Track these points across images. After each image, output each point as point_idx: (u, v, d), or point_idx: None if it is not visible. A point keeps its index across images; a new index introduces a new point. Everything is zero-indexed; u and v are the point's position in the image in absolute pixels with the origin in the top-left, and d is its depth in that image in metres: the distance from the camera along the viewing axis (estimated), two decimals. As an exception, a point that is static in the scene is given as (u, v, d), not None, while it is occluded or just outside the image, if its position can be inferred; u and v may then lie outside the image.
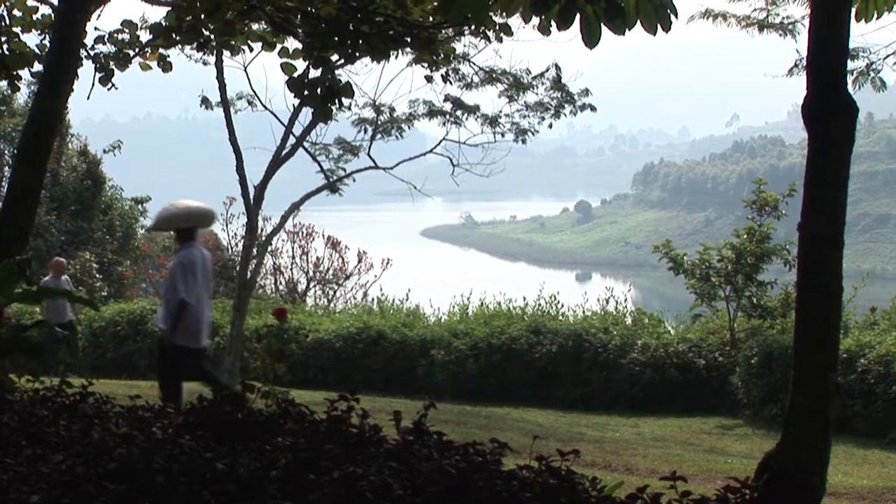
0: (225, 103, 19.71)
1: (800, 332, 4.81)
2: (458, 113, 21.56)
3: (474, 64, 20.60)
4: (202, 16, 9.09)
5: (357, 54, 9.66)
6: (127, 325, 20.77)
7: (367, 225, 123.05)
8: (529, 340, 18.00)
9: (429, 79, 14.91)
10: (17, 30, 9.85)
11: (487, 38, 17.90)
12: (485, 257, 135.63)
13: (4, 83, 10.30)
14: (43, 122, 7.96)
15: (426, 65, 12.53)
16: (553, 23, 4.66)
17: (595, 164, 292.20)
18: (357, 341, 19.12)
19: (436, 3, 8.55)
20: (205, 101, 20.52)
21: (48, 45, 9.26)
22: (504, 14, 8.71)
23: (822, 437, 4.69)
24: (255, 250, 20.19)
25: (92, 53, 10.07)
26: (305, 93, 8.73)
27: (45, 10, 9.96)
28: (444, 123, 21.79)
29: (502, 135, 21.83)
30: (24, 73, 10.00)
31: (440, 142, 22.43)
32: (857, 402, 14.16)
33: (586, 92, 21.66)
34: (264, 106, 20.91)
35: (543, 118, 21.63)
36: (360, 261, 29.44)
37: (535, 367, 17.78)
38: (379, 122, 21.74)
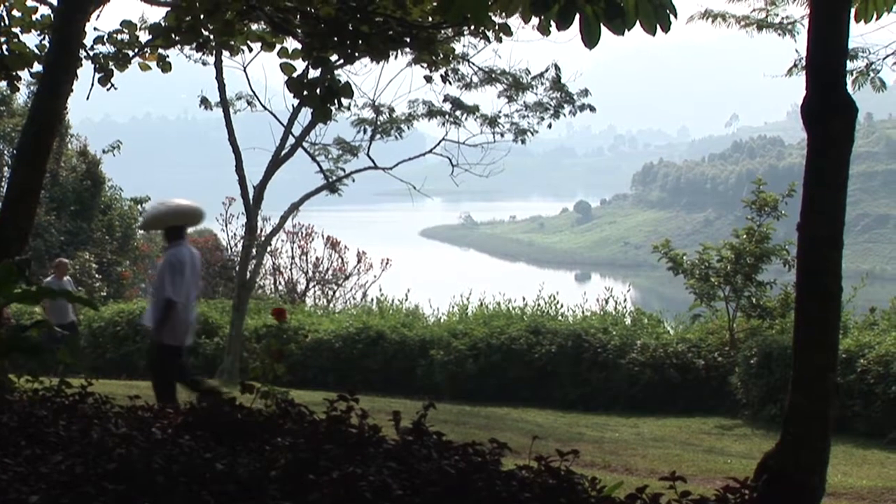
0: (224, 103, 19.73)
1: (799, 333, 4.81)
2: (458, 113, 21.59)
3: (474, 64, 20.65)
4: (201, 16, 9.09)
5: (356, 54, 9.66)
6: (126, 325, 20.76)
7: (367, 225, 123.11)
8: (529, 340, 18.00)
9: (428, 79, 14.95)
10: (16, 30, 9.85)
11: (487, 39, 17.92)
12: (484, 257, 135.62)
13: (4, 83, 10.29)
14: (42, 122, 7.96)
15: (425, 65, 12.54)
16: (552, 23, 4.66)
17: (594, 165, 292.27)
18: (356, 341, 19.11)
19: (435, 4, 8.55)
20: (204, 102, 20.54)
21: (47, 45, 9.26)
22: (503, 14, 8.71)
23: (822, 437, 4.69)
24: (254, 250, 20.21)
25: (91, 54, 10.07)
26: (305, 93, 8.72)
27: (44, 10, 9.97)
28: (443, 124, 21.82)
29: (501, 135, 21.87)
30: (24, 74, 10.01)
31: (439, 142, 22.46)
32: (857, 402, 14.16)
33: (585, 92, 21.68)
34: (263, 106, 20.95)
35: (543, 118, 21.66)
36: (359, 261, 29.46)
37: (534, 367, 17.77)
38: (378, 123, 21.76)
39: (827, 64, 4.80)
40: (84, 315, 20.52)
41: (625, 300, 21.49)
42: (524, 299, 20.93)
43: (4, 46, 9.73)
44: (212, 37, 9.57)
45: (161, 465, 3.74)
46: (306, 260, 29.26)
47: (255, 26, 10.43)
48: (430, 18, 9.39)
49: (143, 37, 10.36)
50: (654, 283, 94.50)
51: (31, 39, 9.93)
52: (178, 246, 9.74)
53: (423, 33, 9.58)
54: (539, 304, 20.53)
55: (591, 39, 4.60)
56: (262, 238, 22.15)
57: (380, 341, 19.06)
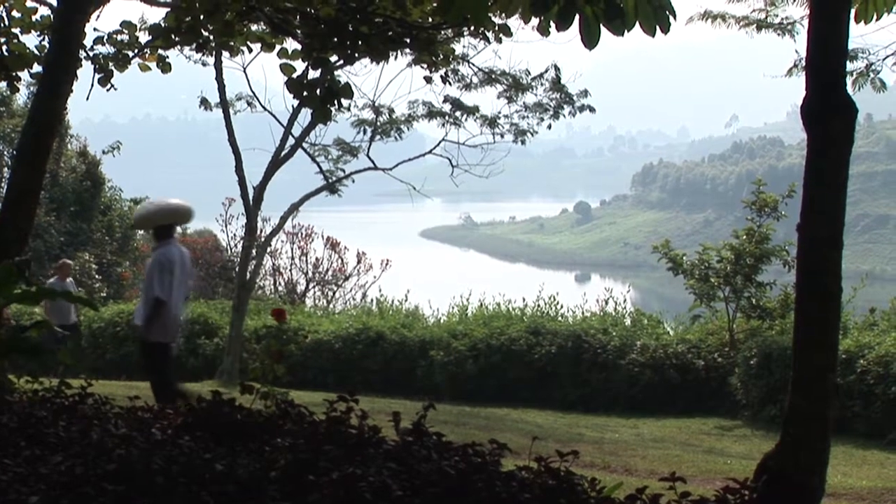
0: (224, 104, 19.73)
1: (799, 333, 4.81)
2: (458, 114, 21.59)
3: (473, 65, 20.65)
4: (201, 17, 9.09)
5: (356, 55, 9.66)
6: (126, 325, 20.73)
7: (367, 226, 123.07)
8: (529, 341, 18.00)
9: (428, 80, 14.94)
10: (16, 31, 9.86)
11: (487, 39, 17.93)
12: (484, 258, 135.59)
13: (4, 84, 10.30)
14: (42, 122, 7.97)
15: (425, 66, 12.52)
16: (552, 23, 4.66)
17: (594, 165, 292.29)
18: (356, 342, 19.11)
19: (435, 4, 8.55)
20: (204, 102, 20.54)
21: (47, 46, 9.26)
22: (503, 15, 8.71)
23: (821, 437, 4.69)
24: (254, 251, 20.21)
25: (91, 54, 10.07)
26: (304, 94, 8.72)
27: (44, 11, 9.98)
28: (443, 124, 21.82)
29: (501, 136, 21.87)
30: (24, 74, 10.01)
31: (439, 143, 22.46)
32: (857, 402, 14.16)
33: (585, 93, 21.69)
34: (263, 107, 20.96)
35: (542, 119, 21.66)
36: (359, 262, 29.48)
37: (534, 367, 17.78)
38: (378, 123, 21.77)
39: (827, 64, 4.80)
40: (84, 316, 20.52)
41: (624, 301, 21.50)
42: (524, 300, 20.95)
43: (4, 47, 9.74)
44: (211, 37, 9.57)
45: (161, 465, 3.74)
46: (306, 260, 29.28)
47: (254, 27, 10.44)
48: (430, 19, 9.39)
49: (143, 37, 10.38)
50: (654, 283, 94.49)
51: (30, 40, 9.94)
52: (168, 245, 9.83)
53: (422, 34, 9.58)
54: (539, 305, 20.54)
55: (590, 40, 4.60)
56: (262, 239, 22.16)
57: (380, 342, 19.07)
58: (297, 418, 4.63)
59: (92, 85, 10.17)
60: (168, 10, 9.63)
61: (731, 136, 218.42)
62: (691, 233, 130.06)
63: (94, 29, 9.98)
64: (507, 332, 18.29)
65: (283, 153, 19.75)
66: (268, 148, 19.88)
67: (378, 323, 19.83)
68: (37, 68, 9.66)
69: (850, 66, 14.66)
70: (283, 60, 9.14)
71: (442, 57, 11.67)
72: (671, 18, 4.60)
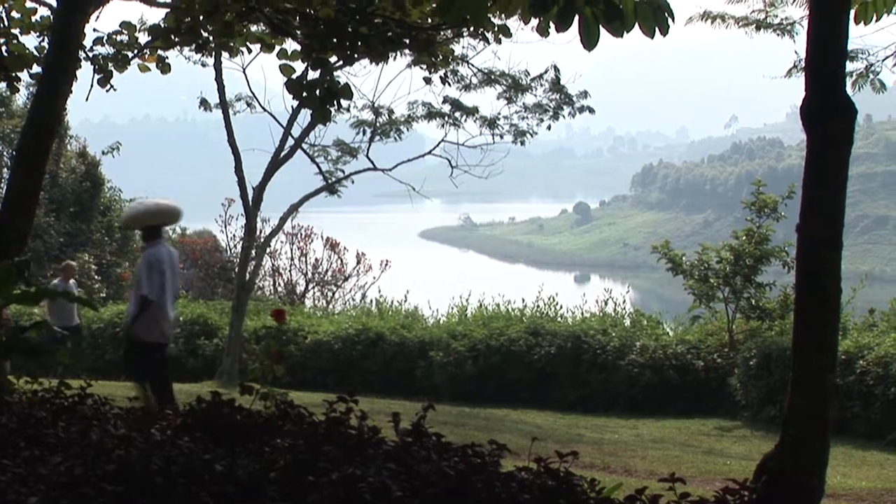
0: (224, 105, 19.74)
1: (798, 334, 4.81)
2: (457, 114, 21.58)
3: (473, 65, 20.65)
4: (201, 17, 9.09)
5: (356, 56, 9.65)
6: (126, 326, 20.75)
7: (366, 226, 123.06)
8: (528, 342, 18.00)
9: (427, 80, 14.95)
10: (15, 31, 9.86)
11: (486, 40, 17.93)
12: (483, 259, 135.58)
13: (3, 85, 10.30)
14: (42, 123, 7.97)
15: (425, 66, 12.51)
16: (551, 24, 4.66)
17: (593, 166, 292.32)
18: (356, 343, 19.12)
19: (434, 5, 8.55)
20: (203, 103, 20.54)
21: (47, 46, 9.26)
22: (503, 15, 8.72)
23: (821, 438, 4.69)
24: (253, 252, 20.21)
25: (90, 55, 10.07)
26: (304, 94, 8.72)
27: (43, 11, 9.98)
28: (442, 125, 21.82)
29: (501, 136, 21.87)
30: (23, 75, 10.01)
31: (439, 143, 22.46)
32: (856, 403, 14.16)
33: (585, 94, 21.69)
34: (263, 107, 20.96)
35: (542, 120, 21.66)
36: (358, 262, 29.48)
37: (533, 368, 17.78)
38: (377, 124, 21.76)
39: (826, 65, 4.80)
40: (84, 316, 20.53)
41: (624, 301, 21.50)
42: (523, 301, 20.96)
43: (4, 48, 9.74)
44: (211, 38, 9.57)
45: (160, 466, 3.73)
46: (305, 261, 29.28)
47: (254, 28, 10.44)
48: (430, 20, 9.39)
49: (143, 38, 10.38)
50: (654, 284, 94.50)
51: (30, 41, 9.94)
52: (156, 245, 9.95)
53: (422, 35, 9.58)
54: (538, 306, 20.55)
55: (589, 41, 4.60)
56: (262, 239, 22.16)
57: (379, 343, 19.07)
58: (297, 419, 4.63)
59: (91, 85, 10.17)
60: (167, 10, 9.63)
61: (731, 137, 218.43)
62: (691, 233, 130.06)
63: (94, 30, 9.99)
64: (507, 332, 18.29)
65: (282, 154, 19.76)
66: (267, 149, 19.91)
67: (377, 324, 19.84)
68: (36, 69, 9.66)
69: (849, 66, 14.65)
70: (283, 61, 9.14)
71: (441, 58, 11.66)
72: (670, 20, 4.60)
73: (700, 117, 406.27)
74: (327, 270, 29.31)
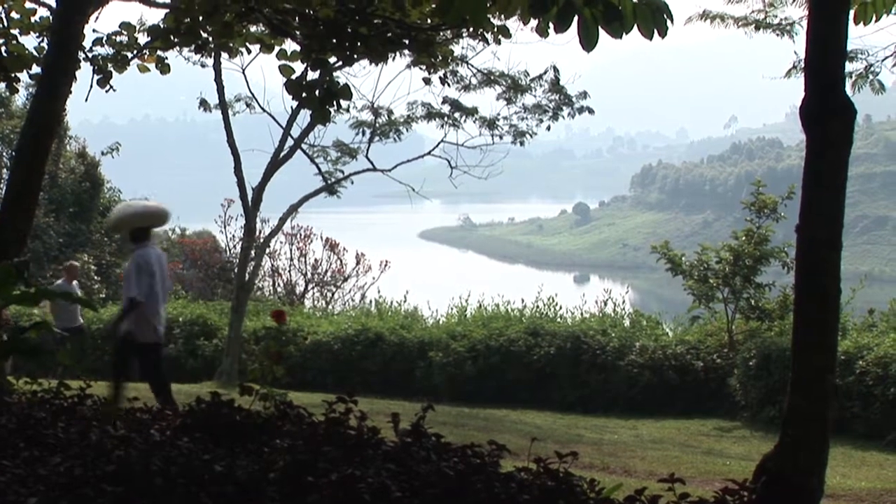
0: (223, 105, 19.72)
1: (798, 334, 4.82)
2: (457, 115, 21.57)
3: (472, 66, 20.63)
4: (200, 18, 9.09)
5: (355, 56, 9.65)
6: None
7: (366, 227, 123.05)
8: (528, 342, 18.00)
9: (427, 81, 14.95)
10: (15, 32, 9.85)
11: (485, 41, 17.95)
12: (483, 259, 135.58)
13: (3, 85, 10.30)
14: (41, 124, 7.97)
15: (424, 67, 12.51)
16: (551, 25, 4.66)
17: (593, 166, 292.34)
18: (355, 343, 19.11)
19: (434, 5, 8.55)
20: (203, 104, 20.53)
21: (46, 47, 9.26)
22: (502, 16, 8.72)
23: (821, 438, 4.69)
24: (253, 252, 20.20)
25: (90, 55, 10.07)
26: (303, 95, 8.72)
27: (43, 12, 9.98)
28: (442, 125, 21.81)
29: (500, 137, 21.86)
30: (23, 76, 10.01)
31: (438, 144, 22.46)
32: (856, 403, 14.16)
33: (584, 94, 21.67)
34: (262, 108, 20.94)
35: (541, 120, 21.65)
36: (358, 263, 29.48)
37: (533, 368, 17.78)
38: (377, 125, 21.75)
39: (826, 65, 4.80)
40: (84, 317, 20.52)
41: (623, 302, 21.51)
42: (523, 301, 20.97)
43: (3, 48, 9.74)
44: (210, 39, 9.57)
45: (159, 466, 3.74)
46: (305, 262, 29.28)
47: (253, 28, 10.43)
48: (429, 20, 9.39)
49: (142, 38, 10.37)
50: (653, 284, 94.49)
51: (29, 41, 9.94)
52: (145, 247, 10.00)
53: (421, 35, 9.58)
54: (538, 306, 20.55)
55: (588, 42, 4.60)
56: (261, 240, 22.15)
57: (378, 343, 19.07)
58: (296, 419, 4.63)
59: (91, 86, 10.17)
60: (167, 11, 9.63)
61: (730, 138, 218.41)
62: (690, 234, 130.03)
63: (93, 30, 10.01)
64: (506, 333, 18.29)
65: (281, 154, 19.75)
66: (267, 149, 19.90)
67: (377, 324, 19.83)
68: (36, 69, 9.66)
69: (849, 67, 14.65)
70: (282, 62, 9.14)
71: (441, 58, 11.67)
72: (668, 21, 4.60)
73: (699, 118, 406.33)
74: (327, 271, 29.31)
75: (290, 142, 19.90)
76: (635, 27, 4.59)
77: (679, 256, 18.59)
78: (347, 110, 20.44)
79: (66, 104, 8.84)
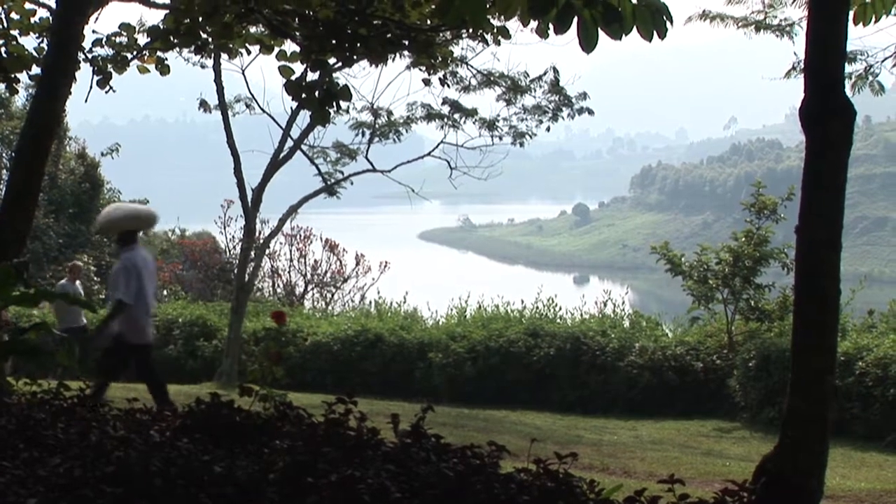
0: (223, 106, 19.73)
1: (797, 335, 4.81)
2: (456, 116, 21.57)
3: (472, 67, 20.63)
4: (200, 19, 9.08)
5: (355, 57, 9.65)
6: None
7: (365, 228, 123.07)
8: (527, 343, 18.00)
9: (426, 82, 14.90)
10: (14, 32, 9.84)
11: (485, 41, 17.95)
12: (482, 260, 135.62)
13: (2, 86, 10.29)
14: (41, 124, 7.96)
15: (424, 68, 12.51)
16: (551, 26, 4.66)
17: (593, 167, 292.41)
18: (355, 344, 19.11)
19: (433, 6, 8.55)
20: (203, 104, 20.54)
21: (46, 48, 9.25)
22: (502, 17, 8.71)
23: (820, 440, 4.69)
24: (252, 253, 20.20)
25: (90, 56, 10.07)
26: (303, 96, 8.71)
27: (42, 13, 9.97)
28: (441, 126, 21.81)
29: (500, 138, 21.86)
30: (22, 76, 10.00)
31: (438, 145, 22.46)
32: (855, 404, 14.16)
33: (584, 95, 21.67)
34: (262, 109, 20.95)
35: (541, 121, 21.65)
36: (357, 263, 29.48)
37: (532, 369, 17.78)
38: (377, 126, 21.75)
39: (825, 66, 4.80)
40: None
41: (623, 303, 21.52)
42: (522, 302, 20.98)
43: (3, 49, 9.73)
44: (210, 39, 9.56)
45: (159, 467, 3.74)
46: (305, 262, 29.28)
47: (253, 29, 10.43)
48: (429, 21, 9.39)
49: (142, 39, 10.36)
50: (653, 285, 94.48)
51: (29, 42, 9.93)
52: (133, 250, 10.02)
53: (421, 36, 9.58)
54: (537, 307, 20.55)
55: (588, 44, 4.60)
56: (261, 241, 22.15)
57: (378, 344, 19.07)
58: (296, 420, 4.63)
59: (91, 87, 10.16)
60: (167, 12, 9.63)
61: (730, 139, 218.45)
62: (690, 235, 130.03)
63: (93, 31, 10.00)
64: (506, 334, 18.29)
65: (281, 155, 19.76)
66: (266, 150, 19.91)
67: (377, 325, 19.84)
68: (35, 70, 9.65)
69: (848, 68, 14.65)
70: (282, 62, 9.13)
71: (440, 59, 11.67)
72: (668, 23, 4.60)
73: (699, 119, 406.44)
74: (326, 272, 29.32)
75: (289, 143, 19.91)
76: (635, 28, 4.59)
77: (679, 257, 18.59)
78: (347, 111, 20.47)
79: (66, 105, 8.83)
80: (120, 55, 10.20)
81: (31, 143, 7.90)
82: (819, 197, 4.74)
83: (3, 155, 29.29)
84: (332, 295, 29.24)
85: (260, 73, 20.15)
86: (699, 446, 13.62)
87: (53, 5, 8.95)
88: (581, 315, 20.37)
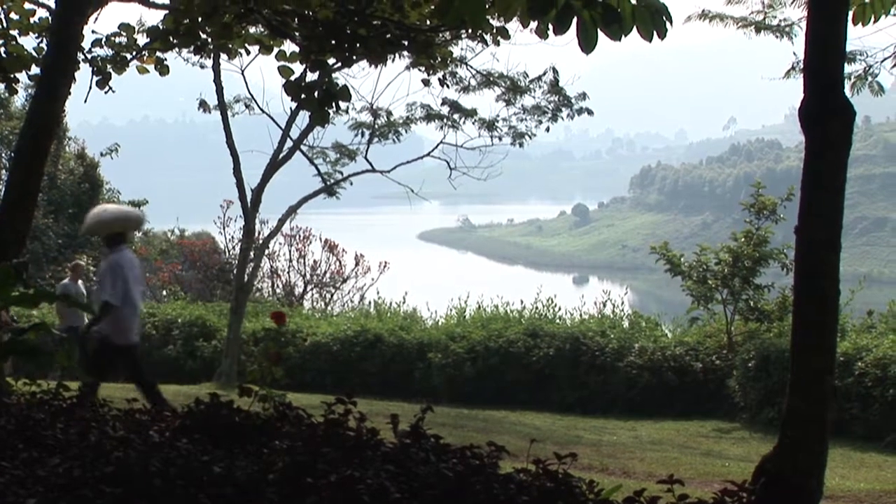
0: (222, 106, 19.73)
1: (797, 336, 4.82)
2: (456, 116, 21.56)
3: (471, 67, 20.62)
4: (199, 19, 9.08)
5: (354, 58, 9.64)
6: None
7: (365, 228, 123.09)
8: (527, 343, 18.00)
9: (426, 82, 14.90)
10: (14, 33, 9.84)
11: (485, 42, 17.94)
12: (482, 260, 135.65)
13: (2, 86, 10.28)
14: (40, 125, 7.96)
15: (423, 68, 12.52)
16: (550, 27, 4.66)
17: (592, 168, 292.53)
18: (354, 344, 19.11)
19: (433, 7, 8.55)
20: (202, 105, 20.52)
21: (45, 48, 9.25)
22: (501, 18, 8.71)
23: (820, 440, 4.69)
24: (252, 253, 20.20)
25: (89, 56, 10.06)
26: (302, 96, 8.70)
27: (42, 13, 9.96)
28: (441, 127, 21.80)
29: (499, 138, 21.85)
30: (22, 77, 10.00)
31: (437, 145, 22.45)
32: (855, 405, 14.16)
33: (583, 95, 21.65)
34: (261, 109, 20.94)
35: (541, 122, 21.63)
36: (357, 264, 29.47)
37: (532, 370, 17.77)
38: (376, 126, 21.74)
39: (825, 66, 4.80)
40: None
41: (622, 303, 21.51)
42: (522, 302, 20.98)
43: (2, 49, 9.72)
44: (210, 40, 9.56)
45: (158, 468, 3.73)
46: (304, 263, 29.28)
47: (252, 29, 10.42)
48: (428, 22, 9.39)
49: (141, 40, 10.36)
50: (652, 286, 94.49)
51: (28, 42, 9.93)
52: (120, 251, 10.05)
53: (420, 36, 9.58)
54: (537, 307, 20.55)
55: (588, 44, 4.60)
56: (260, 241, 22.15)
57: (378, 344, 19.06)
58: (295, 420, 4.63)
59: (90, 87, 10.16)
60: (166, 12, 9.62)
61: (729, 139, 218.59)
62: (689, 235, 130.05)
63: (93, 31, 9.99)
64: (505, 334, 18.29)
65: (281, 155, 19.75)
66: (266, 150, 19.91)
67: (376, 325, 19.83)
68: (35, 70, 9.64)
69: (848, 68, 14.65)
70: (281, 63, 9.12)
71: (440, 59, 11.67)
72: (668, 23, 4.60)
73: (698, 119, 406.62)
74: (326, 272, 29.31)
75: (289, 143, 19.90)
76: (634, 29, 4.58)
77: (678, 258, 18.58)
78: (346, 112, 20.46)
79: (65, 105, 8.84)
80: (119, 55, 10.20)
81: (30, 144, 7.90)
82: (818, 197, 4.74)
83: (3, 155, 29.28)
84: (332, 295, 29.24)
85: (259, 74, 20.19)
86: (698, 447, 13.62)
87: (53, 5, 8.95)
88: (580, 315, 20.37)
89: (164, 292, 29.06)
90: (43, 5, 9.95)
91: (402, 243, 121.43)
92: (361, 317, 22.00)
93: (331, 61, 10.04)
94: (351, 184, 22.24)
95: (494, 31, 10.46)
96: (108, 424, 4.64)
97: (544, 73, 21.08)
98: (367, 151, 21.79)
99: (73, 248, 27.92)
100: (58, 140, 27.75)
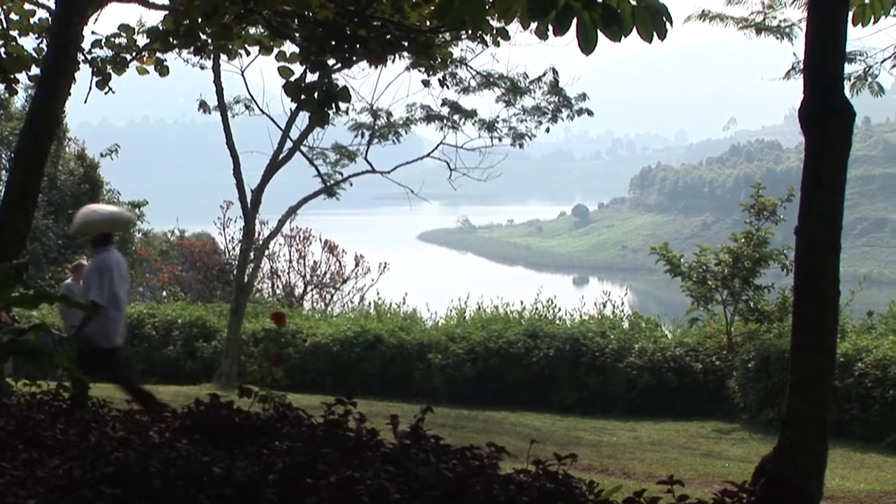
0: (222, 107, 19.73)
1: (797, 336, 4.82)
2: (456, 117, 21.56)
3: (471, 68, 20.62)
4: (199, 19, 9.07)
5: (354, 58, 9.63)
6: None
7: (365, 229, 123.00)
8: (527, 344, 18.00)
9: (426, 83, 14.89)
10: (14, 33, 9.84)
11: (485, 43, 17.94)
12: (482, 261, 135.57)
13: (2, 87, 10.29)
14: (40, 125, 7.96)
15: (423, 69, 12.51)
16: (550, 28, 4.66)
17: (592, 168, 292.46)
18: (354, 345, 19.11)
19: (433, 8, 8.55)
20: (202, 105, 20.52)
21: (45, 48, 9.25)
22: (501, 19, 8.71)
23: (819, 440, 4.69)
24: (252, 254, 20.20)
25: (89, 57, 10.06)
26: (302, 97, 8.70)
27: (42, 13, 9.96)
28: (441, 128, 21.80)
29: (499, 139, 21.84)
30: (22, 77, 10.00)
31: (437, 146, 22.44)
32: (855, 405, 14.17)
33: (583, 96, 21.65)
34: (261, 110, 20.94)
35: (541, 122, 21.63)
36: (357, 265, 29.47)
37: (532, 371, 17.77)
38: (376, 127, 21.74)
39: (825, 67, 4.80)
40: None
41: (622, 304, 21.51)
42: (522, 303, 20.97)
43: (2, 49, 9.73)
44: (210, 40, 9.55)
45: (158, 468, 3.73)
46: (304, 263, 29.28)
47: (252, 30, 10.42)
48: (428, 22, 9.39)
49: (141, 40, 10.36)
50: (652, 286, 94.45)
51: (28, 43, 9.93)
52: (107, 252, 10.02)
53: (420, 37, 9.58)
54: (537, 308, 20.55)
55: (587, 45, 4.60)
56: (260, 242, 22.15)
57: (377, 345, 19.06)
58: (295, 421, 4.63)
59: (90, 88, 10.16)
60: (166, 13, 9.62)
61: (729, 140, 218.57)
62: (689, 236, 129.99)
63: (92, 32, 9.99)
64: (505, 335, 18.29)
65: (280, 156, 19.76)
66: (266, 151, 19.91)
67: (376, 326, 19.83)
68: (35, 71, 9.64)
69: (847, 69, 14.64)
70: (281, 64, 9.11)
71: (440, 60, 11.66)
72: (668, 24, 4.60)
73: (698, 120, 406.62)
74: (326, 273, 29.31)
75: (289, 144, 19.90)
76: (634, 30, 4.58)
77: (678, 258, 18.58)
78: (346, 112, 20.46)
79: (65, 106, 8.83)
80: (119, 56, 10.20)
81: (30, 144, 7.91)
82: (818, 197, 4.74)
83: (3, 156, 29.27)
84: (332, 296, 29.24)
85: (259, 75, 20.19)
86: (698, 447, 13.62)
87: (53, 6, 8.95)
88: (580, 316, 20.38)
89: (164, 293, 29.06)
90: (43, 6, 9.95)
91: (402, 244, 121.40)
92: (361, 317, 22.00)
93: (331, 62, 10.04)
94: (351, 184, 22.23)
95: (494, 32, 10.46)
96: (108, 425, 4.65)
97: (544, 74, 21.09)
98: (366, 152, 21.79)
99: (73, 249, 27.89)
100: (58, 141, 27.74)
